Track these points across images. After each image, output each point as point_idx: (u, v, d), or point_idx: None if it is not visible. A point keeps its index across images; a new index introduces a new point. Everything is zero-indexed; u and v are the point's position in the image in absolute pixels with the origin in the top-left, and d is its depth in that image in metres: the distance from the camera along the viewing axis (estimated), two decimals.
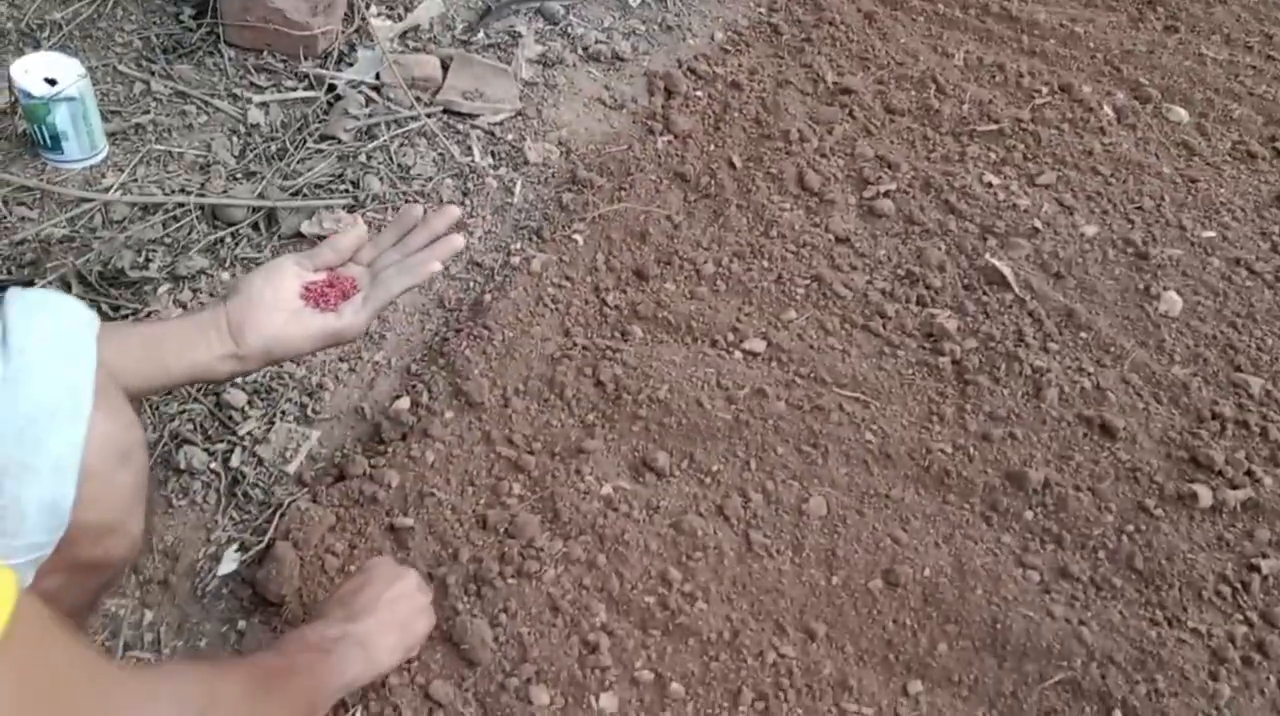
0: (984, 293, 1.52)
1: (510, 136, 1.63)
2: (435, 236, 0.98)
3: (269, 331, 0.89)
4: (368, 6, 1.75)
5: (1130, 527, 1.26)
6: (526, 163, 1.60)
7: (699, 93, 1.79)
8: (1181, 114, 1.90)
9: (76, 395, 0.65)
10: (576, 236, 1.51)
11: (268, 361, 0.92)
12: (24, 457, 0.63)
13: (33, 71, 1.36)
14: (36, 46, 1.56)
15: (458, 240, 0.98)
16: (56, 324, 0.68)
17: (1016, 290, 1.52)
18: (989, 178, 1.71)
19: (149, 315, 1.27)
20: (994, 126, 1.80)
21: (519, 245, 1.49)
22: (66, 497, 0.64)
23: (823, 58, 1.90)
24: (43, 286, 1.26)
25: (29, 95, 1.35)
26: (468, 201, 1.52)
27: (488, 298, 1.41)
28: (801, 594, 1.16)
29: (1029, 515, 1.27)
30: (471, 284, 1.44)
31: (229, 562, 1.10)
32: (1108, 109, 1.88)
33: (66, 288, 1.28)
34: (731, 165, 1.67)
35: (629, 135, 1.69)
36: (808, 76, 1.86)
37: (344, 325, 0.93)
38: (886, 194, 1.65)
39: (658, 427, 1.29)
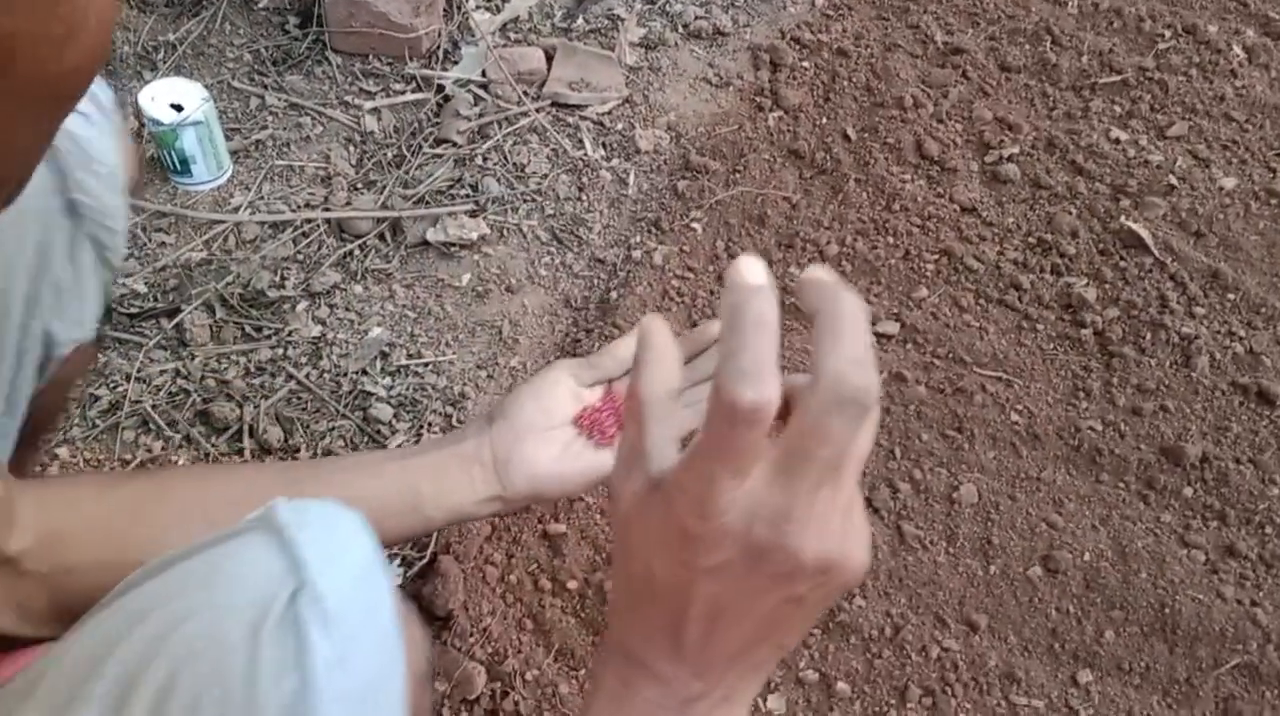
0: (1121, 257, 1.47)
1: (620, 126, 1.61)
2: None
3: (538, 470, 0.79)
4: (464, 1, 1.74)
5: None
6: (638, 152, 1.58)
7: (805, 63, 1.75)
8: None
9: (393, 650, 0.53)
10: (695, 225, 1.50)
11: (533, 501, 0.83)
12: None
13: (159, 99, 1.39)
14: (154, 69, 1.59)
15: None
16: (355, 561, 0.53)
17: (1156, 253, 1.46)
18: (1116, 133, 1.64)
19: (290, 335, 1.30)
20: (1116, 77, 1.73)
21: (638, 238, 1.48)
22: None
23: (929, 16, 1.83)
24: (189, 312, 1.29)
25: (157, 123, 1.38)
26: (584, 196, 1.52)
27: (613, 295, 1.41)
28: (959, 585, 1.15)
29: (1188, 491, 1.23)
30: (595, 281, 1.44)
31: (393, 578, 1.12)
32: (1237, 49, 1.78)
33: (210, 312, 1.31)
34: (846, 138, 1.63)
35: (738, 114, 1.66)
36: (916, 38, 1.80)
37: None
38: (1010, 158, 1.59)
39: None
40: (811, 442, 0.39)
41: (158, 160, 1.45)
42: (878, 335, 1.37)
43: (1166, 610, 1.13)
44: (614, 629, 0.48)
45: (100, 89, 0.72)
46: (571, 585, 1.13)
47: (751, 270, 0.38)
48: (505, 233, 1.46)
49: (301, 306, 1.33)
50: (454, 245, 1.41)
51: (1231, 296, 1.42)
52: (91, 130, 0.69)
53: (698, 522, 0.40)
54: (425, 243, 1.41)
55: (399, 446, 1.21)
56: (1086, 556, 1.17)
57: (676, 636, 0.43)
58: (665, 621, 0.43)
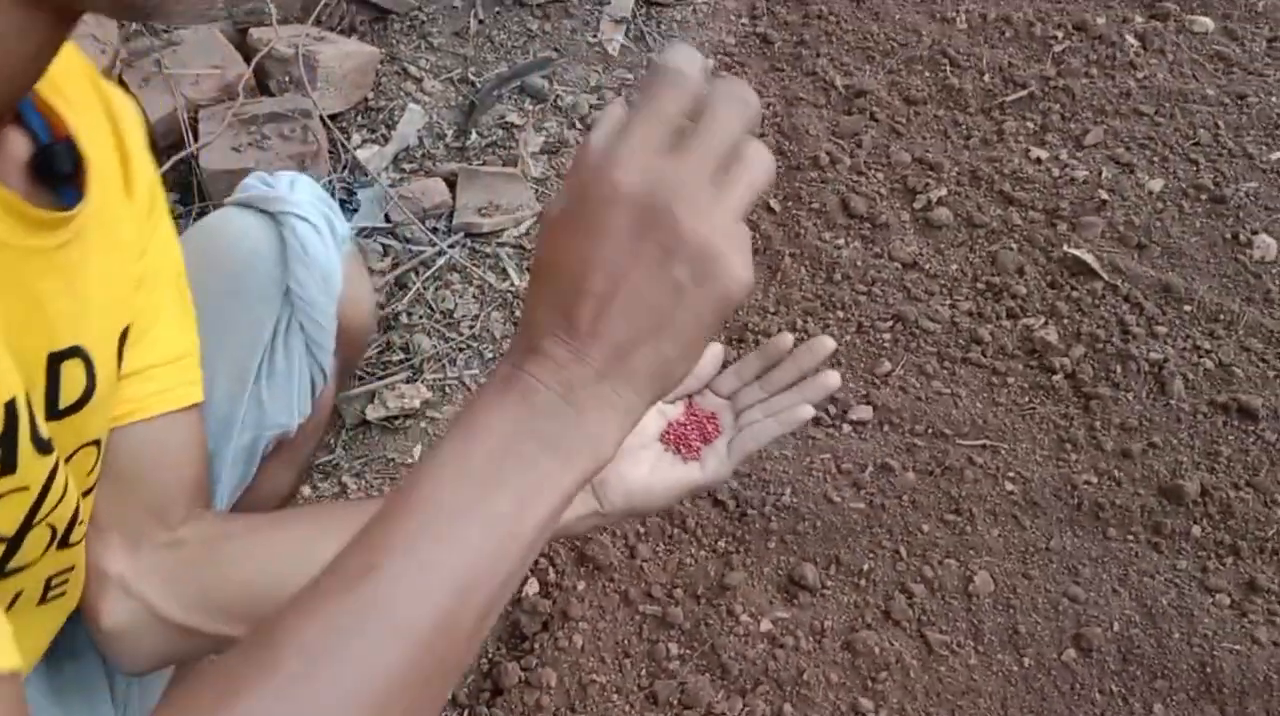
0: (1072, 287, 1.44)
1: None
2: (803, 374, 0.82)
3: (632, 485, 0.80)
4: (348, 138, 1.65)
5: None
6: None
7: None
8: (1206, 23, 1.80)
9: None
10: None
11: (628, 517, 0.85)
12: None
13: None
14: None
15: (832, 378, 0.81)
16: None
17: (1105, 276, 1.44)
18: (1035, 152, 1.62)
19: None
20: (1022, 92, 1.71)
21: None
22: None
23: (824, 59, 1.80)
24: None
25: None
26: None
27: None
28: (998, 686, 1.11)
29: (1197, 531, 1.21)
30: None
31: None
32: (1130, 38, 1.78)
33: None
34: (770, 209, 1.58)
35: None
36: (816, 85, 1.76)
37: (707, 479, 0.81)
38: (939, 201, 1.56)
39: (794, 538, 1.22)
40: (703, 127, 0.45)
41: None
42: (852, 423, 1.33)
43: (1208, 669, 1.10)
44: (516, 336, 0.49)
45: (341, 224, 0.87)
46: None
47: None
48: (448, 390, 1.38)
49: None
50: (397, 418, 1.33)
51: (1188, 308, 1.40)
52: (317, 239, 0.82)
53: (607, 171, 0.45)
54: (366, 422, 1.33)
55: None
56: (1115, 626, 1.14)
57: (571, 312, 0.46)
58: (564, 299, 0.46)
